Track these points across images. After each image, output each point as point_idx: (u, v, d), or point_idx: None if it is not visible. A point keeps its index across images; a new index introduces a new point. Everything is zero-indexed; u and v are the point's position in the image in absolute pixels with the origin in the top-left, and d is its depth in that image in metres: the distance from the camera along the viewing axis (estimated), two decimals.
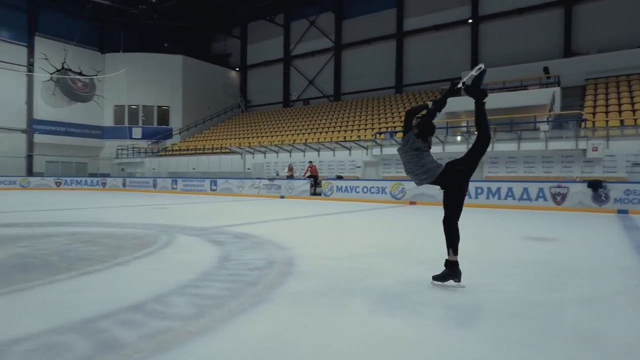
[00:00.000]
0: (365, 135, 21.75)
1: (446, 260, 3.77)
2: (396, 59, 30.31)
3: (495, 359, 2.29)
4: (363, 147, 20.21)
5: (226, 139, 29.68)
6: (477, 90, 3.60)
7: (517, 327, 2.77)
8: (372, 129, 22.79)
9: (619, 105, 17.46)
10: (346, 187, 17.71)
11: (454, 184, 3.73)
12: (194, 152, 29.24)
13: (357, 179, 19.51)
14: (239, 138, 29.15)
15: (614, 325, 2.84)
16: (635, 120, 15.54)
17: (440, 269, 3.79)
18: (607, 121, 15.95)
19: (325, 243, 6.38)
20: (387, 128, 21.93)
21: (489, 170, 17.18)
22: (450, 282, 3.71)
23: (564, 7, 24.23)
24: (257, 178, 22.05)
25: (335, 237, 7.23)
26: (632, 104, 17.29)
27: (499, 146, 16.32)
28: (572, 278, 4.27)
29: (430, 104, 3.81)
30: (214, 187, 22.71)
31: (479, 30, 27.07)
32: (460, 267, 3.71)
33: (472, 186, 14.85)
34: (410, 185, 16.09)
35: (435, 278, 3.79)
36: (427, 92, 26.97)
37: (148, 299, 3.30)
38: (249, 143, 26.18)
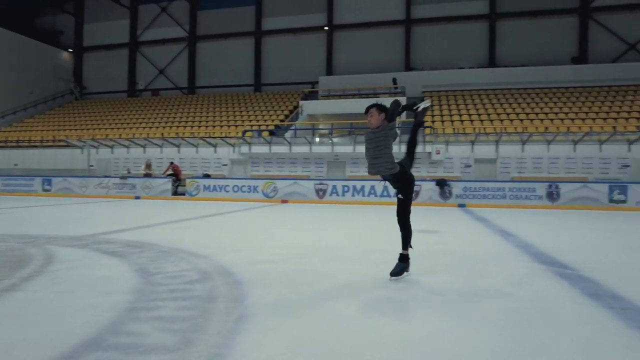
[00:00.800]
0: (229, 132, 21.16)
1: (400, 254, 4.04)
2: (255, 57, 30.25)
3: (492, 343, 2.47)
4: (230, 144, 19.61)
5: (59, 130, 25.39)
6: (422, 118, 4.18)
7: (481, 310, 3.04)
8: (236, 125, 22.29)
9: (451, 115, 20.67)
10: (215, 186, 16.95)
11: (409, 185, 3.99)
12: (15, 144, 24.25)
13: (224, 177, 18.86)
14: (76, 129, 25.25)
15: (557, 305, 3.35)
16: (464, 129, 18.60)
17: (370, 264, 3.97)
18: (443, 129, 18.71)
19: (244, 247, 5.99)
20: (251, 126, 21.74)
21: (350, 170, 18.47)
22: (404, 274, 3.99)
23: (404, 27, 27.53)
24: (105, 176, 19.49)
25: (246, 239, 6.84)
26: (460, 114, 20.67)
27: (360, 148, 17.66)
28: (485, 265, 4.87)
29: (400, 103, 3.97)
30: (47, 187, 19.27)
31: (333, 37, 28.86)
32: (379, 262, 3.92)
33: (339, 185, 15.81)
34: (283, 184, 16.29)
35: (393, 274, 3.95)
36: (285, 92, 27.61)
37: (100, 331, 2.61)
38: (92, 135, 22.90)
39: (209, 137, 20.23)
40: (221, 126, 22.76)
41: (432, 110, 21.56)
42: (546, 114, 19.77)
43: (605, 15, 24.81)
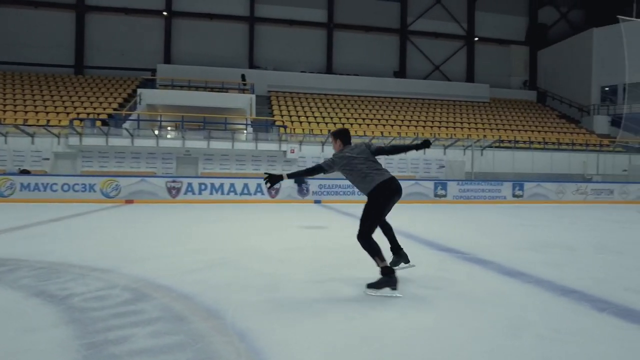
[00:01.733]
0: (48, 120, 17.67)
1: (381, 269, 3.57)
2: (76, 34, 26.01)
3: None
4: (54, 134, 16.41)
5: None
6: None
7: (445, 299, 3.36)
8: (57, 113, 18.77)
9: (306, 116, 21.55)
10: (37, 184, 14.00)
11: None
12: None
13: (46, 174, 15.73)
14: None
15: (481, 281, 3.88)
16: (312, 130, 19.63)
17: (297, 263, 3.94)
18: (293, 129, 19.39)
19: (146, 255, 5.13)
20: (78, 114, 18.59)
21: (203, 167, 17.56)
22: (386, 290, 3.51)
23: (249, 24, 27.46)
24: None
25: (139, 245, 5.86)
26: (314, 116, 21.76)
27: (215, 144, 16.95)
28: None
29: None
30: None
31: (172, 24, 26.90)
32: (276, 265, 3.92)
33: (195, 182, 14.91)
34: (127, 182, 14.50)
35: (370, 286, 3.59)
36: (117, 78, 24.56)
37: None
38: None
39: (25, 125, 16.57)
40: (36, 112, 18.87)
41: (288, 110, 22.15)
42: (378, 119, 22.38)
43: (418, 39, 29.34)
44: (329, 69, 27.97)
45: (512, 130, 22.87)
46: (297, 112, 22.27)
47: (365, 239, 3.64)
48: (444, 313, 3.09)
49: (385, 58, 28.78)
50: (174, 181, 14.78)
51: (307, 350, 2.35)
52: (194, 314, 2.94)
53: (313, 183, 15.63)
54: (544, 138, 21.99)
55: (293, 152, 17.63)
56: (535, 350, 2.40)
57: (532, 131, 23.20)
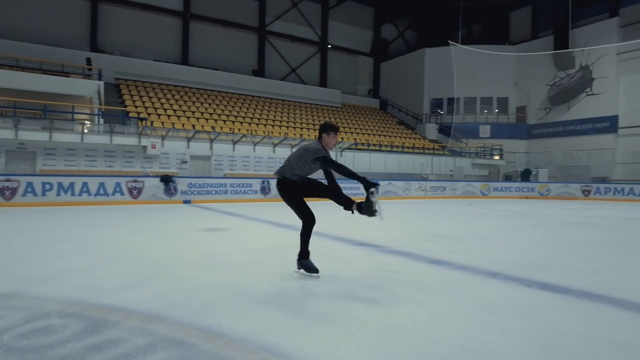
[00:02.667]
0: None
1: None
2: None
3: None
4: None
5: None
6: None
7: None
8: None
9: (153, 107, 19.81)
10: None
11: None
12: None
13: None
14: None
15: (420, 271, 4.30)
16: (173, 124, 18.30)
17: (238, 267, 3.91)
18: (151, 122, 17.77)
19: (64, 269, 4.11)
20: None
21: (44, 163, 14.77)
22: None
23: (89, 1, 24.06)
24: None
25: (35, 258, 4.63)
26: (173, 109, 20.19)
27: (58, 136, 14.43)
28: (326, 258, 5.39)
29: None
30: None
31: None
32: (218, 271, 3.97)
33: (36, 181, 12.54)
34: None
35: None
36: None
37: None
38: None
39: None
40: None
41: (142, 101, 20.10)
42: (243, 117, 22.09)
43: (276, 40, 29.87)
44: (184, 60, 26.37)
45: (362, 134, 25.11)
46: (152, 103, 20.43)
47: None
48: (414, 306, 3.29)
49: (244, 56, 28.51)
50: (7, 180, 12.09)
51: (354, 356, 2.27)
52: (190, 335, 2.53)
53: (182, 182, 14.62)
54: (391, 142, 24.74)
55: (154, 148, 16.16)
56: (510, 323, 2.76)
57: (379, 135, 25.87)
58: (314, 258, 4.20)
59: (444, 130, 29.25)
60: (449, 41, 23.93)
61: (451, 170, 24.60)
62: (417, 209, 13.90)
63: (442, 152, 25.69)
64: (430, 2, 31.88)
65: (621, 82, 24.39)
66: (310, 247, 4.19)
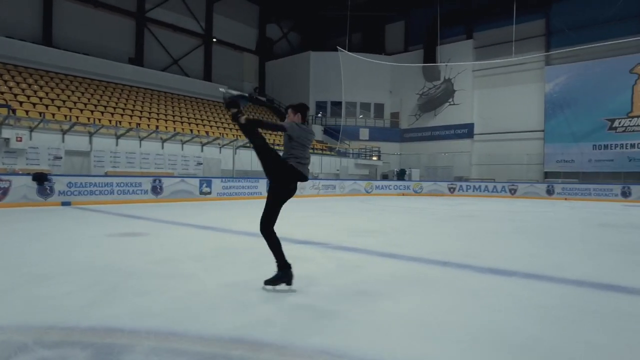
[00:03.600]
0: None
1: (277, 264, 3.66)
2: None
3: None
4: None
5: None
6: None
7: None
8: None
9: (11, 93, 16.80)
10: None
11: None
12: None
13: None
14: None
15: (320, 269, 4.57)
16: (42, 114, 15.79)
17: (209, 272, 3.85)
18: (26, 112, 15.10)
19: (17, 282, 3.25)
20: None
21: None
22: (282, 285, 3.61)
23: None
24: None
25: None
26: (38, 96, 17.33)
27: None
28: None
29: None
30: None
31: None
32: (193, 280, 3.80)
33: None
34: None
35: (267, 282, 3.62)
36: None
37: None
38: None
39: None
40: None
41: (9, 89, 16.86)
42: (121, 108, 20.04)
43: (157, 28, 27.73)
44: (47, 41, 22.84)
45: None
46: (10, 88, 17.30)
47: (266, 230, 3.67)
48: (397, 298, 3.50)
49: (120, 42, 25.85)
50: None
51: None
52: (230, 348, 2.30)
53: (60, 181, 12.72)
54: (282, 142, 24.91)
55: (20, 141, 13.74)
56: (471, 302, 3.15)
57: (270, 134, 25.85)
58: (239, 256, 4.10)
59: (329, 131, 30.55)
60: (338, 47, 25.06)
61: (338, 170, 25.85)
62: (322, 207, 14.33)
63: (330, 153, 26.81)
64: (313, 7, 32.93)
65: (475, 95, 28.46)
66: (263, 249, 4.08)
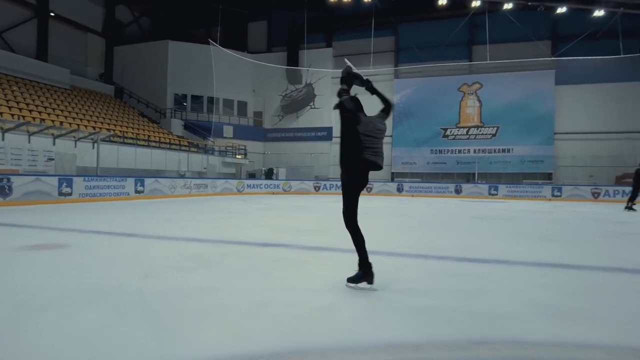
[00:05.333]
0: None
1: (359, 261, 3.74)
2: None
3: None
4: None
5: None
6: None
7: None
8: None
9: None
10: None
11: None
12: None
13: None
14: None
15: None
16: None
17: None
18: None
19: None
20: None
21: None
22: (364, 284, 3.69)
23: None
24: None
25: None
26: None
27: None
28: (275, 262, 5.16)
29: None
30: None
31: None
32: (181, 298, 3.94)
33: None
34: None
35: (349, 280, 3.76)
36: None
37: None
38: None
39: None
40: None
41: None
42: None
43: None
44: None
45: (102, 124, 21.94)
46: None
47: (353, 225, 3.79)
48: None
49: None
50: None
51: None
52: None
53: None
54: (136, 134, 22.63)
55: None
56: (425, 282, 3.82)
57: (120, 126, 23.21)
58: (235, 264, 4.06)
59: (190, 127, 29.04)
60: (210, 40, 24.00)
61: (205, 168, 24.80)
62: (215, 207, 13.67)
63: (196, 150, 25.52)
64: None
65: (334, 101, 30.38)
66: (224, 256, 4.03)
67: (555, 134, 25.91)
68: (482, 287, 3.92)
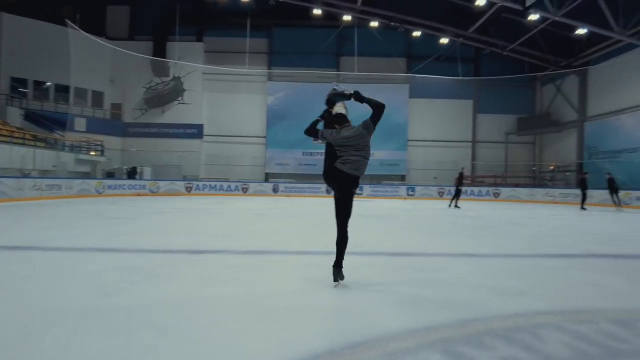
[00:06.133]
0: None
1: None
2: None
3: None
4: None
5: None
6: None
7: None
8: None
9: None
10: None
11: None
12: None
13: None
14: None
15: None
16: None
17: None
18: None
19: None
20: None
21: None
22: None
23: None
24: None
25: None
26: None
27: None
28: (257, 269, 4.95)
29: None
30: None
31: None
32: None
33: None
34: None
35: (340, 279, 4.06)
36: None
37: None
38: None
39: None
40: None
41: None
42: None
43: None
44: None
45: None
46: None
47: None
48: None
49: None
50: None
51: None
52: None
53: None
54: None
55: None
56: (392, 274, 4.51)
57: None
58: (192, 273, 4.10)
59: (32, 117, 24.83)
60: (67, 21, 20.80)
61: (55, 166, 21.49)
62: (94, 212, 12.00)
63: (43, 145, 21.91)
64: None
65: (205, 97, 29.52)
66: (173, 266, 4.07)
67: (408, 140, 29.43)
68: (438, 278, 4.45)
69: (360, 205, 18.63)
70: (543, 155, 29.69)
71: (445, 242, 7.23)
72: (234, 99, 29.46)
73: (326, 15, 25.88)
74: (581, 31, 20.88)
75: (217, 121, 29.34)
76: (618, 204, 17.21)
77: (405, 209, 16.15)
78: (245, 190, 25.25)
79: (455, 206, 16.92)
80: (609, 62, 22.76)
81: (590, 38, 22.60)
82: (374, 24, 25.66)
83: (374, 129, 4.27)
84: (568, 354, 2.52)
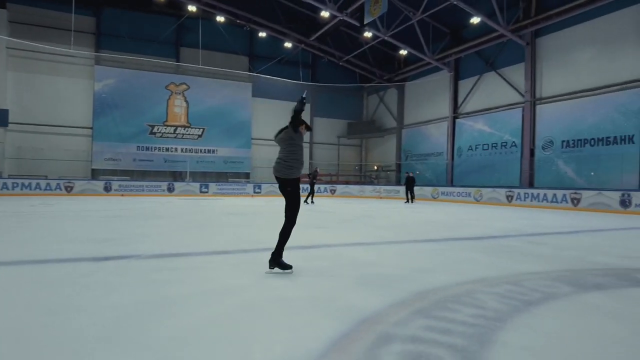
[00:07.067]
0: None
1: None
2: None
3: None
4: None
5: None
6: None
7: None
8: None
9: None
10: None
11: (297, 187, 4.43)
12: None
13: None
14: None
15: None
16: None
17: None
18: None
19: None
20: None
21: None
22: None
23: None
24: None
25: None
26: None
27: None
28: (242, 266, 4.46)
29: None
30: None
31: None
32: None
33: None
34: None
35: (282, 268, 4.33)
36: None
37: None
38: None
39: None
40: None
41: None
42: None
43: None
44: None
45: None
46: None
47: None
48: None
49: None
50: None
51: None
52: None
53: None
54: None
55: None
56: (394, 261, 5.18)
57: None
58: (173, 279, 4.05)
59: None
60: None
61: None
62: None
63: None
64: None
65: (11, 77, 24.39)
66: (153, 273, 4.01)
67: (252, 139, 29.83)
68: (378, 261, 4.94)
69: (212, 203, 18.29)
70: (369, 156, 33.84)
71: (330, 235, 7.86)
72: (52, 82, 25.12)
73: (169, 3, 24.32)
74: (403, 52, 24.69)
75: (28, 107, 24.60)
76: (410, 200, 20.86)
77: (261, 206, 16.51)
78: (69, 190, 21.88)
79: (311, 202, 18.17)
80: (421, 80, 27.39)
81: (407, 58, 26.87)
82: (220, 18, 25.24)
83: (293, 130, 4.46)
84: (503, 306, 3.30)
